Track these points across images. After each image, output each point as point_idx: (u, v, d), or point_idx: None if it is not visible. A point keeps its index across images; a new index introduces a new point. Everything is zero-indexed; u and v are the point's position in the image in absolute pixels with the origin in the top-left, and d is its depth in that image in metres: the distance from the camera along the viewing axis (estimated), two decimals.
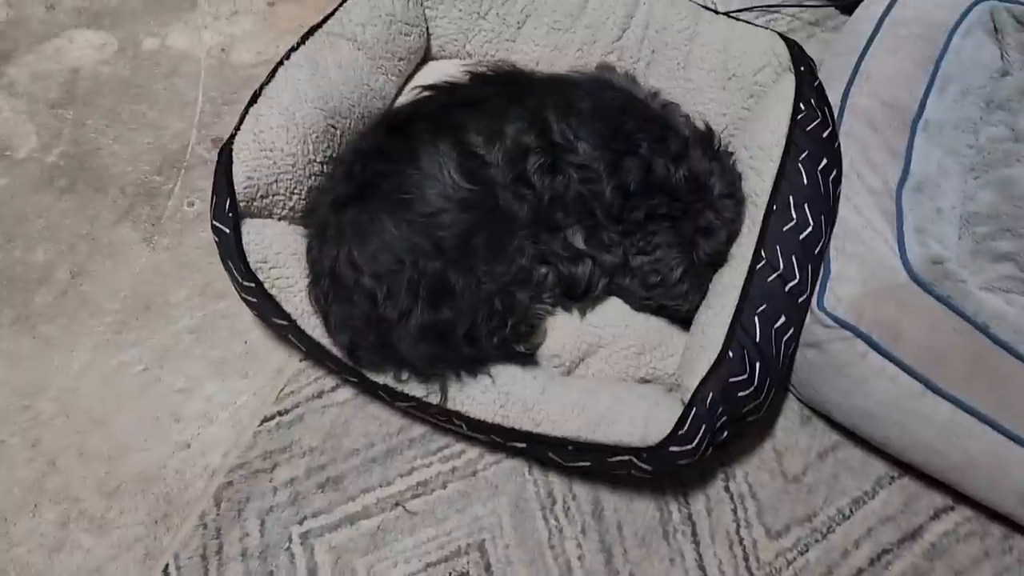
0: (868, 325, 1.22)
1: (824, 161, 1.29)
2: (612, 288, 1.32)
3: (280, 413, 1.31)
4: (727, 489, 1.28)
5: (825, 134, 1.31)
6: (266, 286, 1.21)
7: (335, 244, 1.19)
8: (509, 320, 1.22)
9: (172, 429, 1.28)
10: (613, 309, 1.31)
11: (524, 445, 1.18)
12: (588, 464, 1.19)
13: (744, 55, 1.42)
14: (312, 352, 1.26)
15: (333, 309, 1.19)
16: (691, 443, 1.13)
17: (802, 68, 1.35)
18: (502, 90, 1.28)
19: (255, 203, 1.25)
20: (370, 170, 1.22)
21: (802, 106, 1.30)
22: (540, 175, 1.24)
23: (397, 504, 1.24)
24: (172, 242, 1.43)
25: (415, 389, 1.17)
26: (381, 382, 1.19)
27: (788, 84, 1.34)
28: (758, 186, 1.27)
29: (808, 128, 1.29)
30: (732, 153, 1.35)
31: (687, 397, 1.15)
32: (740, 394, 1.15)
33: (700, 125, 1.35)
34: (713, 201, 1.27)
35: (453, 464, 1.28)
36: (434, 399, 1.16)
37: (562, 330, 1.29)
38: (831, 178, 1.30)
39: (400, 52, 1.47)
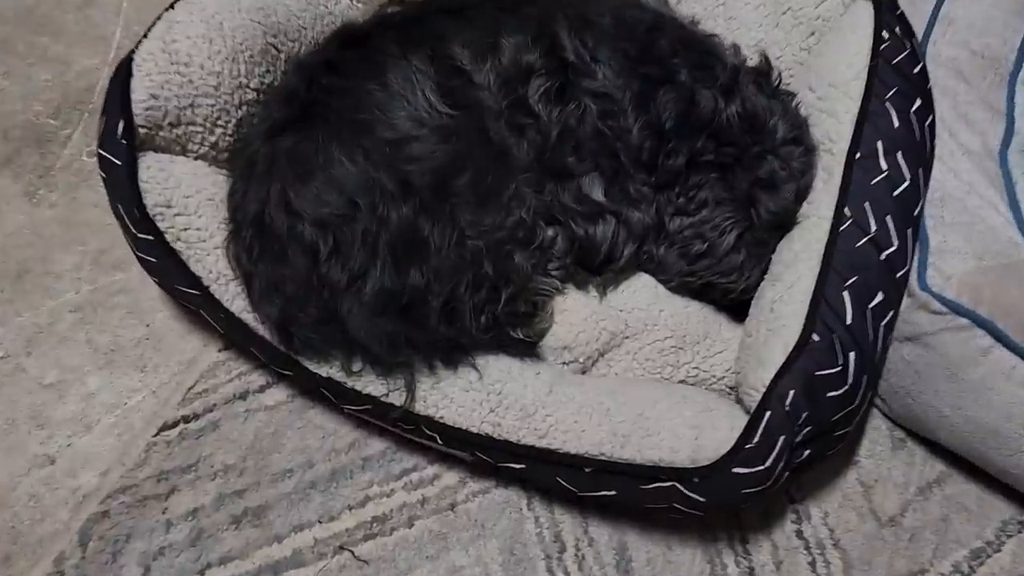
0: (990, 310, 0.94)
1: (918, 102, 1.01)
2: (642, 259, 1.03)
3: (186, 419, 1.02)
4: (800, 534, 0.99)
5: (915, 70, 1.04)
6: (168, 238, 0.91)
7: (265, 181, 0.90)
8: (503, 292, 0.92)
9: (31, 438, 1.00)
10: (643, 288, 1.03)
11: (522, 466, 0.90)
12: (612, 494, 0.88)
13: None
14: (232, 334, 0.96)
15: (259, 270, 0.89)
16: (763, 463, 0.82)
17: None
18: None
19: (161, 132, 0.95)
20: (317, 87, 0.92)
21: (885, 34, 1.04)
22: (546, 103, 0.95)
23: (343, 548, 0.95)
24: (62, 198, 1.16)
25: (371, 385, 0.90)
26: (324, 375, 0.91)
27: (863, 11, 1.08)
28: (834, 130, 0.99)
29: (895, 61, 1.02)
30: (794, 94, 1.04)
31: (754, 399, 0.83)
32: (830, 394, 0.84)
33: (752, 54, 1.04)
34: (775, 147, 0.97)
35: (423, 493, 0.99)
36: (397, 400, 0.89)
37: (575, 313, 1.00)
38: (927, 124, 1.02)
39: None
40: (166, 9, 0.99)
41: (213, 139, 1.00)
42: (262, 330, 0.91)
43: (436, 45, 0.94)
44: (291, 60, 1.04)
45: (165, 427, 1.00)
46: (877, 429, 1.05)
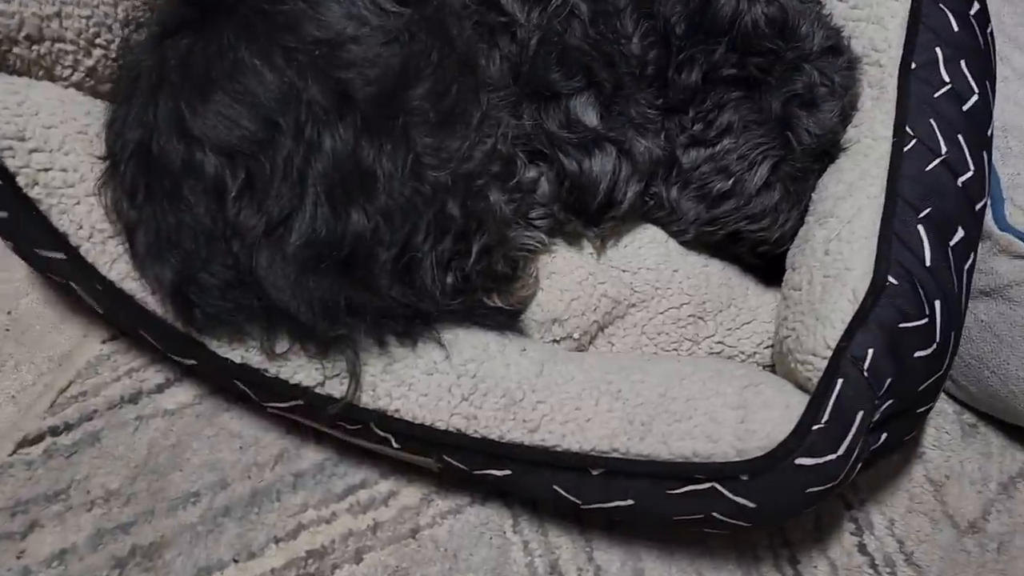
0: None
1: (976, 5, 0.84)
2: (649, 204, 0.82)
3: (55, 431, 0.79)
4: (863, 548, 0.79)
5: None
6: (20, 182, 0.69)
7: (151, 99, 0.67)
8: (474, 241, 0.71)
9: None
10: (651, 243, 0.83)
11: (507, 473, 0.70)
12: (629, 505, 0.67)
13: None
14: (113, 313, 0.74)
15: (145, 218, 0.66)
16: (836, 449, 0.62)
17: None
18: None
19: (16, 49, 0.73)
20: None
21: None
22: (523, 2, 0.76)
23: None
24: None
25: (300, 372, 0.69)
26: (237, 361, 0.69)
27: None
28: (880, 37, 0.82)
29: None
30: (821, 3, 0.85)
31: (816, 369, 0.62)
32: (918, 354, 0.62)
33: None
34: (812, 56, 0.77)
35: (374, 517, 0.77)
36: (337, 390, 0.68)
37: (566, 276, 0.79)
38: (988, 31, 0.82)
39: None
40: None
41: (90, 63, 0.78)
42: (152, 303, 0.68)
43: None
44: None
45: (25, 443, 0.77)
46: (942, 413, 0.86)
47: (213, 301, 0.65)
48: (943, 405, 0.85)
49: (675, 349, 0.79)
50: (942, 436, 0.83)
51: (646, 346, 0.78)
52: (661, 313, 0.79)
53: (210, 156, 0.63)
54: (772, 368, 0.79)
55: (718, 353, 0.79)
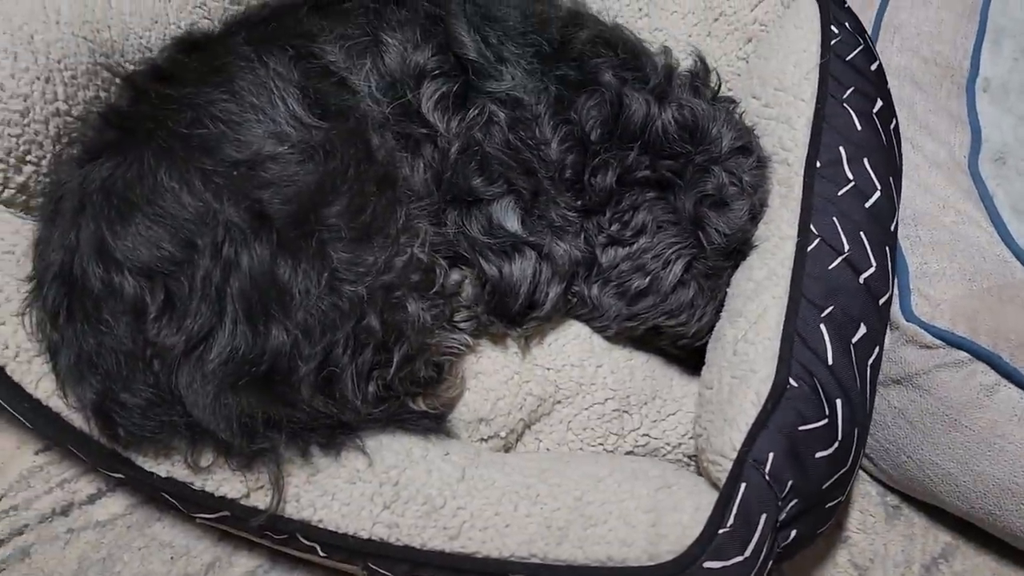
0: (992, 340, 0.80)
1: (879, 103, 0.88)
2: (571, 302, 0.84)
3: None
4: None
5: (872, 67, 0.90)
6: None
7: (73, 223, 0.69)
8: (395, 352, 0.72)
9: None
10: (574, 340, 0.85)
11: None
12: None
13: None
14: (42, 429, 0.73)
15: (67, 338, 0.67)
16: (742, 551, 0.64)
17: None
18: None
19: None
20: (144, 100, 0.71)
21: (834, 29, 0.89)
22: (443, 111, 0.79)
23: None
24: None
25: (225, 485, 0.70)
26: (163, 475, 0.71)
27: (807, 7, 0.95)
28: (788, 136, 0.85)
29: (848, 57, 0.89)
30: (736, 102, 0.88)
31: (723, 469, 0.64)
32: (819, 454, 0.65)
33: (685, 58, 0.89)
34: (722, 158, 0.80)
35: None
36: (262, 501, 0.69)
37: (491, 376, 0.81)
38: (891, 127, 0.87)
39: None
40: None
41: (20, 179, 0.79)
42: (78, 420, 0.69)
43: (300, 44, 0.76)
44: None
45: None
46: (867, 496, 0.87)
47: (136, 419, 0.66)
48: (867, 487, 0.87)
49: (600, 444, 0.80)
50: (867, 519, 0.85)
51: (572, 442, 0.80)
52: (586, 409, 0.80)
53: (129, 277, 0.65)
54: (696, 457, 0.80)
55: (643, 445, 0.81)
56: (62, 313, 0.66)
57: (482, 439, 0.78)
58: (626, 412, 0.81)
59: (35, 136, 0.79)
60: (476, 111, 0.77)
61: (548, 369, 0.81)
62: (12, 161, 0.77)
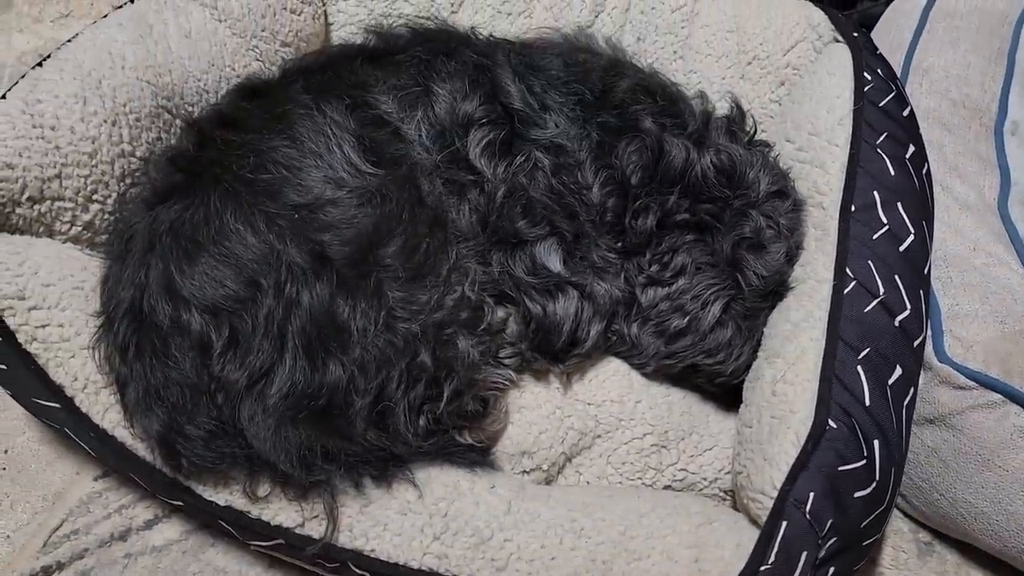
0: None
1: (911, 148, 0.89)
2: (611, 340, 0.86)
3: (48, 571, 0.81)
4: None
5: (904, 113, 0.92)
6: (20, 339, 0.73)
7: (143, 262, 0.72)
8: (445, 387, 0.75)
9: None
10: (614, 376, 0.87)
11: None
12: None
13: (766, 32, 1.05)
14: (106, 458, 0.76)
15: (136, 372, 0.70)
16: None
17: (855, 35, 0.96)
18: (427, 40, 0.84)
19: (19, 209, 0.79)
20: (210, 145, 0.75)
21: (867, 76, 0.92)
22: (489, 158, 0.83)
23: None
24: None
25: (282, 514, 0.72)
26: (222, 503, 0.72)
27: (840, 54, 0.98)
28: (822, 181, 0.87)
29: (882, 104, 0.91)
30: (771, 145, 0.91)
31: (764, 507, 0.65)
32: (857, 494, 0.66)
33: (719, 100, 0.92)
34: (759, 201, 0.82)
35: None
36: (316, 531, 0.71)
37: (534, 410, 0.83)
38: (924, 172, 0.88)
39: (284, 35, 1.03)
40: (34, 66, 0.84)
41: (87, 217, 0.83)
42: (142, 450, 0.72)
43: (355, 94, 0.79)
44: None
45: None
46: (899, 532, 0.88)
47: (198, 450, 0.69)
48: (900, 524, 0.88)
49: (639, 478, 0.82)
50: (899, 555, 0.86)
51: (611, 475, 0.82)
52: (625, 443, 0.82)
53: (196, 315, 0.68)
54: (733, 492, 0.83)
55: (681, 480, 0.83)
56: (131, 348, 0.69)
57: (524, 471, 0.81)
58: (664, 447, 0.83)
59: (102, 176, 0.83)
60: (522, 158, 0.80)
61: (588, 404, 0.83)
62: (80, 200, 0.81)
